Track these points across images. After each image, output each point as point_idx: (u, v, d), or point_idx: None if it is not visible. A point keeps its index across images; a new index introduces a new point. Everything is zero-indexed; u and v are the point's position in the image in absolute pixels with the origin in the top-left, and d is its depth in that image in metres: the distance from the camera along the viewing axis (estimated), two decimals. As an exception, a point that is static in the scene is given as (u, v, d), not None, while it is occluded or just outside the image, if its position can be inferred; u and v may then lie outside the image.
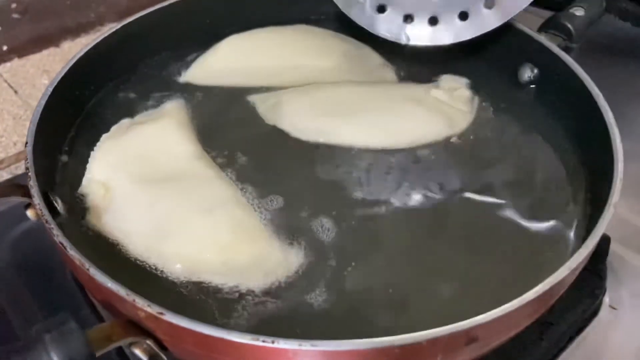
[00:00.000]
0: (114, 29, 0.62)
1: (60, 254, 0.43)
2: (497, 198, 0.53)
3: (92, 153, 0.55)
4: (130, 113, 0.60)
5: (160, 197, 0.51)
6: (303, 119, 0.60)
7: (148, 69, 0.66)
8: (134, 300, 0.38)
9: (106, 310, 0.43)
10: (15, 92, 0.85)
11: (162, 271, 0.47)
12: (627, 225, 0.67)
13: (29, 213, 0.48)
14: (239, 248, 0.49)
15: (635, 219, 0.67)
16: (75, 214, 0.51)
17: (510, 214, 0.52)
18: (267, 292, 0.46)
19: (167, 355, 0.41)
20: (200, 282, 0.47)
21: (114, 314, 0.41)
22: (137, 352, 0.39)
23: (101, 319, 0.55)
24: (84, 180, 0.54)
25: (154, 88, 0.64)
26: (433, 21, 0.63)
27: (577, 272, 0.43)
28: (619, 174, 0.47)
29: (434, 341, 0.36)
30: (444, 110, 0.61)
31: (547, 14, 0.64)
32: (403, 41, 0.64)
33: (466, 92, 0.62)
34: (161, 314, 0.37)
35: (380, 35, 0.65)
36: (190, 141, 0.57)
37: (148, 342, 0.39)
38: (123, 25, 0.63)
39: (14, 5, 0.88)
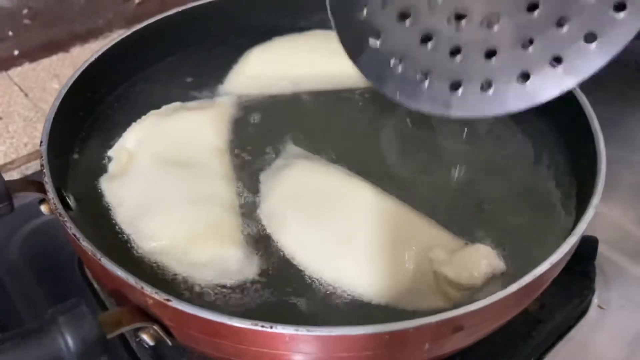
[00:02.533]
0: (123, 36, 0.65)
1: (72, 245, 0.45)
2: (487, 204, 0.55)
3: (132, 123, 0.60)
4: (139, 115, 0.62)
5: (165, 179, 0.54)
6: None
7: (156, 74, 0.68)
8: (142, 288, 0.40)
9: (114, 299, 0.45)
10: (26, 95, 0.86)
11: (134, 245, 0.50)
12: (619, 230, 0.69)
13: (43, 208, 0.50)
14: (203, 243, 0.50)
15: (627, 225, 0.70)
16: (86, 209, 0.53)
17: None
18: (214, 290, 0.48)
19: (172, 341, 0.43)
20: (161, 265, 0.49)
21: (122, 302, 0.43)
22: (145, 337, 0.42)
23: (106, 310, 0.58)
24: (116, 145, 0.58)
25: (162, 91, 0.66)
26: (485, 86, 0.50)
27: (559, 268, 0.46)
28: (601, 176, 0.49)
29: (420, 328, 0.38)
30: (421, 279, 0.48)
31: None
32: (445, 114, 0.52)
33: (474, 282, 0.47)
34: (168, 300, 0.40)
35: (421, 111, 0.53)
36: (219, 136, 0.60)
37: (155, 327, 0.42)
38: (132, 32, 0.65)
39: (25, 11, 0.89)
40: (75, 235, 0.44)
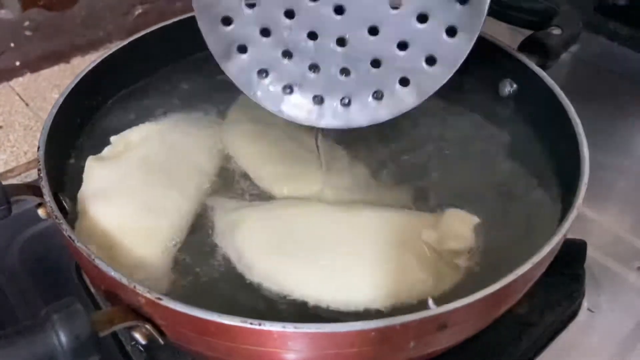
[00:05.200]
0: (121, 45, 0.66)
1: (68, 247, 0.46)
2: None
3: (146, 122, 0.63)
4: (137, 123, 0.63)
5: (135, 178, 0.56)
6: (253, 253, 0.51)
7: (154, 82, 0.70)
8: (134, 287, 0.41)
9: (109, 300, 0.46)
10: (27, 104, 0.88)
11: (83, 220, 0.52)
12: (610, 235, 0.70)
13: (40, 212, 0.51)
14: (134, 246, 0.51)
15: (618, 230, 0.71)
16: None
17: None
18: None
19: (164, 339, 0.44)
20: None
21: (116, 301, 0.44)
22: (137, 335, 0.43)
23: (101, 310, 0.59)
24: (120, 134, 0.61)
25: (158, 100, 0.67)
26: (346, 102, 0.54)
27: (542, 268, 0.47)
28: (584, 179, 0.50)
29: (405, 325, 0.39)
30: (430, 263, 0.50)
31: (527, 32, 0.67)
32: (314, 124, 0.56)
33: (467, 244, 0.51)
34: (159, 299, 0.41)
35: (288, 119, 0.56)
36: (213, 157, 0.61)
37: (147, 326, 0.43)
38: (130, 41, 0.66)
39: (26, 23, 0.90)
40: (70, 237, 0.45)
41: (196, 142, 0.62)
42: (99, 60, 0.63)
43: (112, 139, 0.60)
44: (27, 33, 0.91)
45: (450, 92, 0.67)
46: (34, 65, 0.93)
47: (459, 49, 0.49)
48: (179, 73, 0.71)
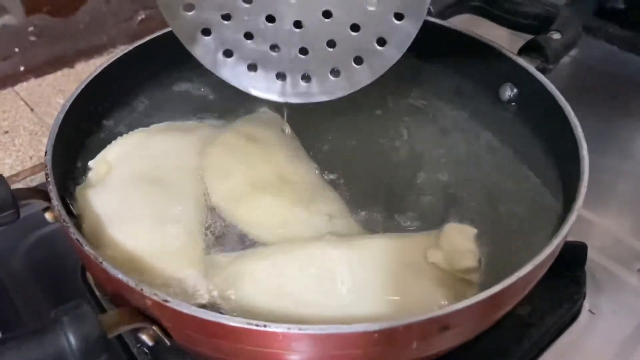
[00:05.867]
0: (126, 50, 0.66)
1: (75, 250, 0.47)
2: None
3: (118, 138, 0.61)
4: (141, 127, 0.64)
5: (136, 195, 0.55)
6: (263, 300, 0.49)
7: (159, 87, 0.70)
8: (141, 290, 0.42)
9: (115, 302, 0.47)
10: (32, 109, 0.88)
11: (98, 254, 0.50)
12: (610, 237, 0.71)
13: (47, 215, 0.52)
14: (158, 265, 0.50)
15: (619, 232, 0.71)
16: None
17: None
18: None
19: (170, 341, 0.44)
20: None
21: (122, 304, 0.45)
22: (144, 337, 0.43)
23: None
24: (97, 157, 0.59)
25: (164, 105, 0.68)
26: (307, 78, 0.57)
27: (542, 270, 0.47)
28: (584, 182, 0.50)
29: (408, 327, 0.40)
30: (446, 282, 0.49)
31: (527, 37, 0.68)
32: (278, 99, 0.59)
33: (475, 259, 0.50)
34: (166, 301, 0.41)
35: (253, 94, 0.59)
36: (198, 160, 0.60)
37: (154, 328, 0.43)
38: (135, 46, 0.67)
39: (31, 29, 0.91)
40: (78, 240, 0.46)
41: (176, 144, 0.61)
42: (105, 65, 0.64)
43: (91, 163, 0.59)
44: (32, 38, 0.92)
45: (451, 96, 0.69)
46: (38, 70, 0.94)
47: (407, 32, 0.52)
48: (185, 78, 0.71)
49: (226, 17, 0.56)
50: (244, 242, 0.54)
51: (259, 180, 0.58)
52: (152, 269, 0.50)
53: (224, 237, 0.55)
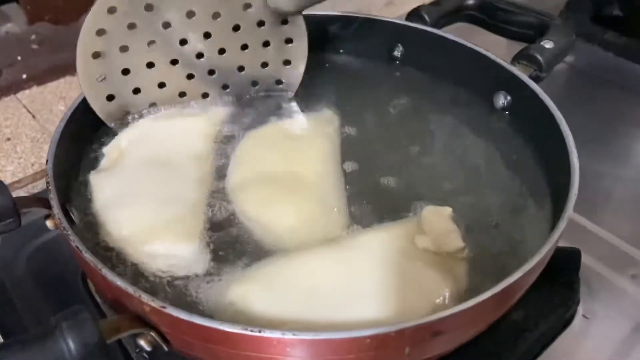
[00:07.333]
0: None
1: (75, 257, 0.48)
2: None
3: (130, 125, 0.64)
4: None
5: (144, 177, 0.58)
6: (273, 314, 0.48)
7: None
8: (140, 296, 0.43)
9: (115, 309, 0.48)
10: (34, 117, 0.89)
11: (104, 232, 0.54)
12: (604, 243, 0.71)
13: (49, 223, 0.53)
14: (157, 237, 0.53)
15: (613, 238, 0.72)
16: (89, 225, 0.56)
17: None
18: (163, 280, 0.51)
19: (167, 346, 0.45)
20: (121, 253, 0.53)
21: (121, 310, 0.46)
22: (142, 343, 0.44)
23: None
24: (110, 143, 0.63)
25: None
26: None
27: (533, 276, 0.48)
28: (574, 189, 0.51)
29: (400, 332, 0.41)
30: (442, 263, 0.51)
31: (520, 45, 0.69)
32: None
33: (458, 240, 0.52)
34: (163, 307, 0.42)
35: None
36: (204, 143, 0.64)
37: (152, 333, 0.44)
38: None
39: (33, 37, 0.91)
40: (78, 248, 0.47)
41: (184, 129, 0.65)
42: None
43: (105, 149, 0.62)
44: (34, 46, 0.92)
45: (446, 103, 0.70)
46: (41, 78, 0.94)
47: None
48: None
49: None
50: (237, 224, 0.57)
51: (273, 173, 0.60)
52: (153, 244, 0.53)
53: (225, 221, 0.57)
